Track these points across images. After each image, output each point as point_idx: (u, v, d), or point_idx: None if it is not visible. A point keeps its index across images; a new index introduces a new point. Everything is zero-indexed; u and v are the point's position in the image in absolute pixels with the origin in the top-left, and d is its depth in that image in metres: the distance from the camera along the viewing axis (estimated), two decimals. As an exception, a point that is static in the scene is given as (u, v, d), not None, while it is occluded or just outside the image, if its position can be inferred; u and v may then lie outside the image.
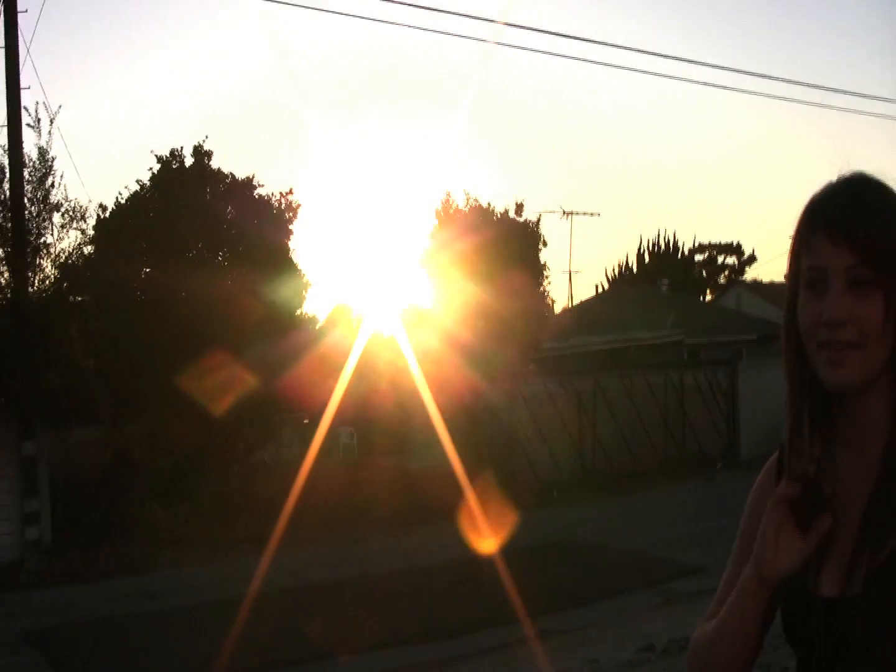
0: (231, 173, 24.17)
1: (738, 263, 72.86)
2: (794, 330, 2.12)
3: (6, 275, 20.71)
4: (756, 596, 2.14)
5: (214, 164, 23.97)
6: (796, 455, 2.11)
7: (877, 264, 1.97)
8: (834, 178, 2.14)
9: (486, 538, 17.22)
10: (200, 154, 23.75)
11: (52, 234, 21.53)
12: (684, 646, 11.36)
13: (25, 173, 20.56)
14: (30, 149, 20.93)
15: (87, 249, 22.09)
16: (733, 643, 2.21)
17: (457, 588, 15.71)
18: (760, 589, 2.12)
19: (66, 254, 21.64)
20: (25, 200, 20.44)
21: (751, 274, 70.72)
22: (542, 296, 29.64)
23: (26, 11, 20.39)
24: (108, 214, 22.84)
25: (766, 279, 66.27)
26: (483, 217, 28.03)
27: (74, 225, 21.74)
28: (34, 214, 21.08)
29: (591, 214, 52.26)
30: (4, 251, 20.64)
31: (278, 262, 23.82)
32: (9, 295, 20.42)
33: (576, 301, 54.43)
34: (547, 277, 29.47)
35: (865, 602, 1.95)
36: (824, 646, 2.03)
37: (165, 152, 23.61)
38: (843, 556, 2.03)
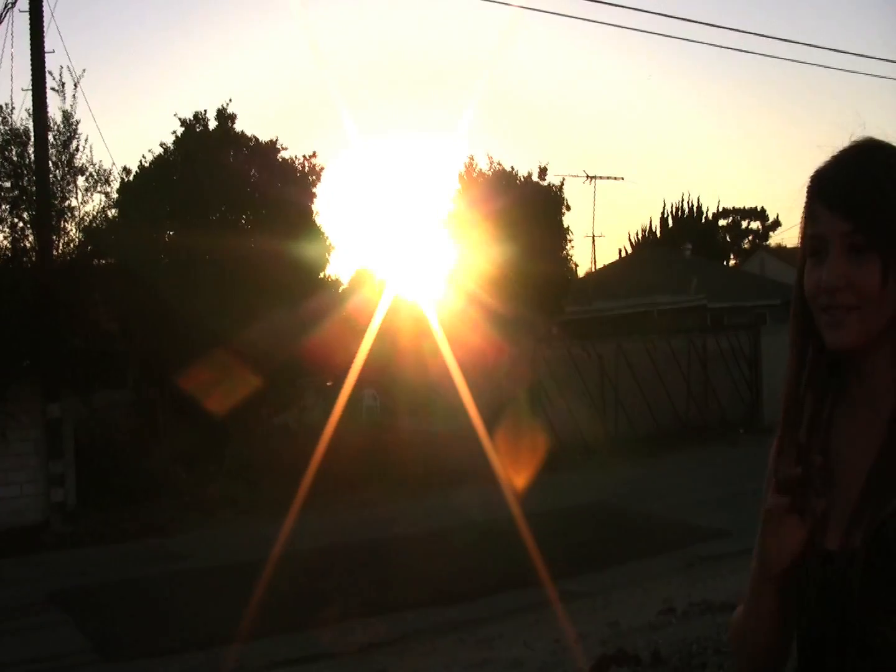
0: (255, 136, 24.18)
1: (762, 228, 72.71)
2: (801, 296, 2.21)
3: (31, 238, 20.78)
4: (765, 593, 2.25)
5: (238, 127, 23.98)
6: (783, 458, 2.19)
7: (872, 231, 2.03)
8: (844, 145, 2.18)
9: (508, 501, 17.26)
10: (224, 117, 23.74)
11: (76, 198, 21.56)
12: (705, 609, 11.47)
13: (50, 137, 20.59)
14: (54, 112, 20.96)
15: (112, 213, 22.13)
16: (756, 642, 2.32)
17: (479, 550, 15.77)
18: (768, 585, 2.23)
19: (91, 217, 21.68)
20: (50, 164, 20.46)
21: (774, 239, 70.60)
22: (565, 260, 29.63)
23: (50, -26, 20.39)
24: (132, 178, 22.88)
25: (790, 244, 66.08)
26: (506, 180, 28.02)
27: (98, 188, 21.77)
28: (59, 178, 21.11)
29: (615, 179, 52.04)
30: (29, 214, 20.70)
31: (302, 224, 23.83)
32: (34, 258, 20.49)
33: (599, 265, 54.31)
34: (570, 241, 29.46)
35: (863, 555, 2.01)
36: (818, 596, 2.11)
37: (189, 115, 23.63)
38: (847, 512, 2.09)
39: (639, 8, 35.38)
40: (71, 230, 21.52)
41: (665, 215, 66.30)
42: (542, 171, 28.53)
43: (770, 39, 40.33)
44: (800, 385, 2.28)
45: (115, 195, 22.23)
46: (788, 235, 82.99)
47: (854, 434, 2.17)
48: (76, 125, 21.49)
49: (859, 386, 2.18)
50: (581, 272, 43.54)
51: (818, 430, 2.21)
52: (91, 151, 22.76)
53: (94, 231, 21.56)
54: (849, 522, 2.07)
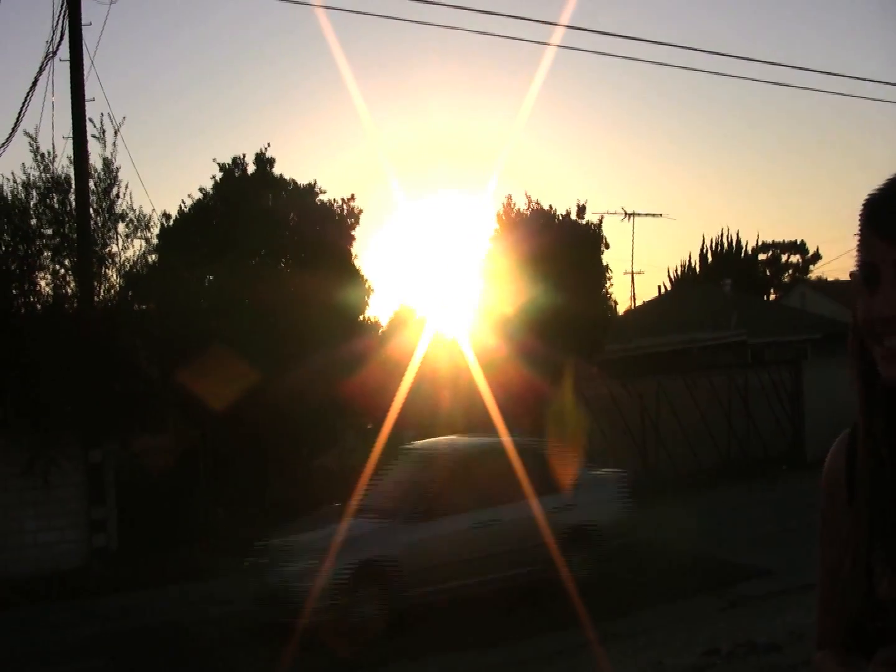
0: (293, 180, 24.36)
1: (802, 262, 72.47)
2: (857, 326, 2.11)
3: (72, 285, 20.96)
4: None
5: (276, 170, 24.16)
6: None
7: None
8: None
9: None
10: (262, 161, 23.94)
11: (117, 244, 21.76)
12: (750, 650, 11.40)
13: (91, 184, 20.78)
14: (95, 159, 21.16)
15: (152, 258, 22.31)
16: None
17: (520, 591, 15.71)
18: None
19: (131, 263, 21.86)
20: (91, 211, 20.65)
21: (815, 272, 70.32)
22: (605, 298, 29.62)
23: (90, 24, 20.63)
24: (171, 223, 23.08)
25: (830, 277, 65.86)
26: (544, 219, 28.05)
27: (139, 234, 21.95)
28: (100, 224, 21.30)
29: (654, 215, 52.22)
30: (71, 261, 20.89)
31: (341, 267, 23.94)
32: (75, 304, 20.65)
33: (638, 302, 54.37)
34: (609, 279, 29.44)
35: None
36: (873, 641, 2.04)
37: (228, 160, 23.83)
38: None
39: (676, 44, 35.41)
40: (112, 276, 21.71)
41: (704, 251, 66.18)
42: (581, 210, 28.55)
43: (810, 72, 40.33)
44: (871, 415, 2.15)
45: (155, 240, 22.41)
46: (829, 268, 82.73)
47: None
48: (116, 172, 21.71)
49: None
50: (620, 309, 43.54)
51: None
52: (131, 198, 22.98)
53: (134, 276, 21.73)
54: None
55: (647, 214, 51.96)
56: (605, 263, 29.19)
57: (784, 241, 71.83)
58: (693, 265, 65.95)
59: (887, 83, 43.06)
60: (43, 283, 21.23)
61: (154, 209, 37.44)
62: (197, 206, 23.49)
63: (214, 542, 20.18)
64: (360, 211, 24.90)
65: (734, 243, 66.60)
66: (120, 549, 19.92)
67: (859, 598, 2.08)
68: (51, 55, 20.74)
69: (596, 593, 14.26)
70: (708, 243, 66.58)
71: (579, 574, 14.94)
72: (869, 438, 2.13)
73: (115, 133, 21.67)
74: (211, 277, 23.02)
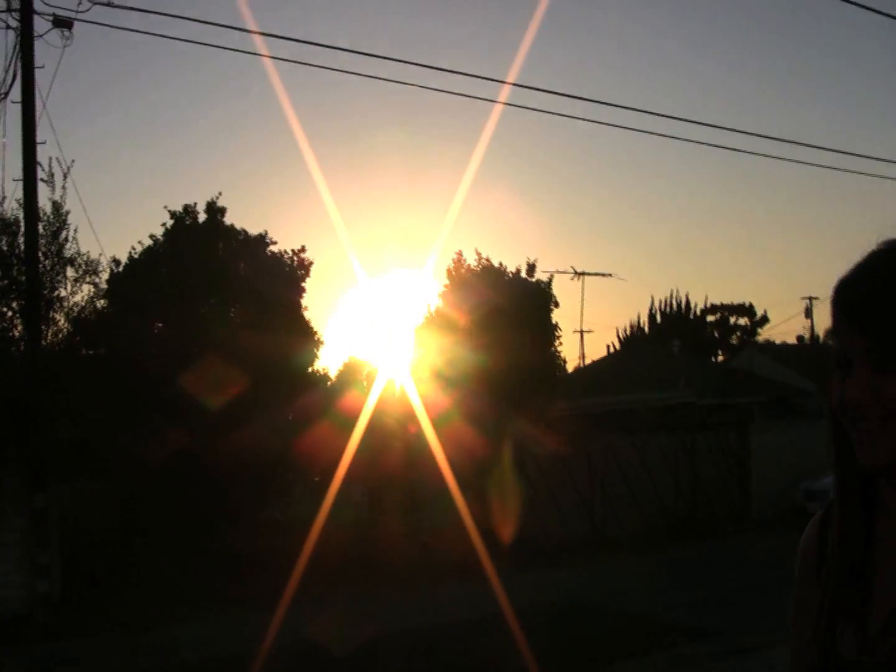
0: (244, 230, 24.27)
1: (750, 324, 73.00)
2: (834, 410, 2.13)
3: (20, 328, 20.77)
4: None
5: (227, 220, 24.07)
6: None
7: (891, 347, 1.96)
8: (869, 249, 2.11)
9: (496, 597, 17.13)
10: (213, 210, 23.84)
11: (65, 288, 21.61)
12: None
13: (40, 227, 20.63)
14: (44, 203, 21.03)
15: (100, 303, 22.15)
16: None
17: (470, 648, 15.61)
18: None
19: (80, 308, 21.71)
20: (39, 254, 20.50)
21: (763, 335, 70.85)
22: (554, 355, 29.64)
23: (43, 67, 20.54)
24: (121, 269, 22.92)
25: (778, 340, 66.35)
26: (494, 277, 28.07)
27: (88, 279, 21.82)
28: (48, 268, 21.14)
29: (603, 275, 52.50)
30: (18, 304, 20.71)
31: (290, 319, 23.86)
32: (22, 348, 20.46)
33: (587, 361, 54.52)
34: (559, 337, 29.48)
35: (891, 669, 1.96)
36: None
37: (179, 207, 23.72)
38: (875, 621, 2.03)
39: (621, 105, 35.71)
40: (59, 320, 21.55)
41: (653, 311, 66.63)
42: (531, 268, 28.60)
43: (760, 137, 40.73)
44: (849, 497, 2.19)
45: (104, 286, 22.27)
46: (776, 331, 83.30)
47: (889, 541, 2.11)
48: (66, 216, 21.59)
49: (892, 495, 2.11)
50: (570, 368, 43.61)
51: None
52: (79, 242, 22.79)
53: (82, 322, 21.58)
54: (877, 634, 2.01)
55: (596, 274, 52.32)
56: (554, 321, 29.23)
57: (732, 304, 72.34)
58: (642, 325, 66.36)
59: (833, 150, 43.52)
60: (-11, 326, 21.04)
61: (103, 254, 37.24)
62: (147, 252, 23.34)
63: (159, 592, 19.96)
64: (311, 263, 24.83)
65: (683, 304, 67.11)
66: (63, 595, 19.65)
67: (824, 657, 2.10)
68: (2, 96, 20.64)
69: (540, 653, 14.15)
70: (657, 304, 67.05)
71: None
72: (844, 515, 2.17)
73: (65, 177, 21.57)
74: (160, 325, 22.87)
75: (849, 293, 2.05)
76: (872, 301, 1.99)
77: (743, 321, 73.33)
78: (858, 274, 2.06)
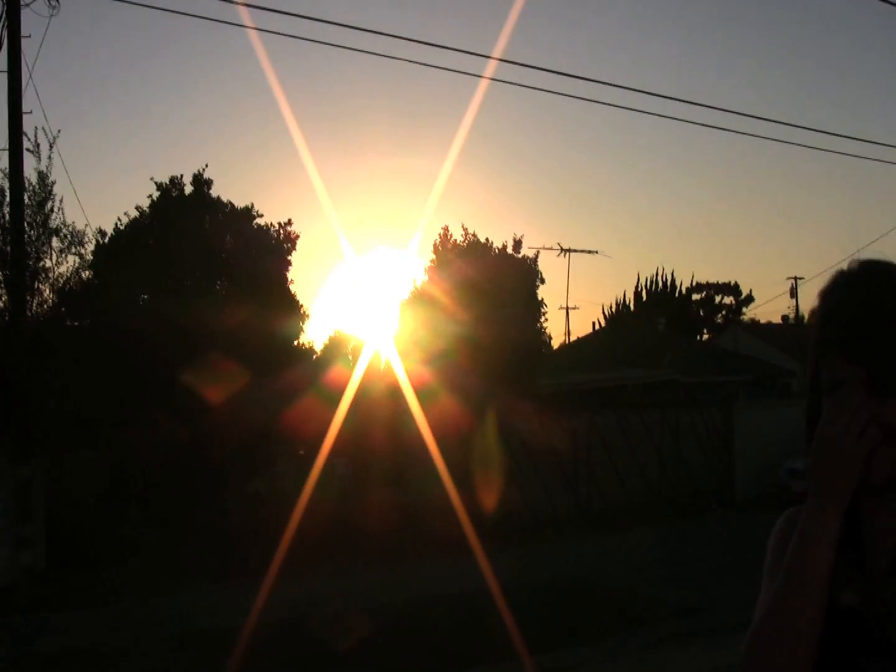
0: (230, 202, 24.23)
1: (736, 303, 73.09)
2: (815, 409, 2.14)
3: (4, 298, 20.72)
4: (830, 537, 2.03)
5: (214, 192, 24.01)
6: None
7: (890, 377, 1.97)
8: (846, 266, 2.12)
9: (481, 573, 17.14)
10: (200, 182, 23.79)
11: (50, 259, 21.56)
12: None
13: (25, 197, 20.55)
14: (29, 173, 20.96)
15: (86, 275, 22.10)
16: (799, 619, 2.04)
17: (452, 623, 15.61)
18: (833, 522, 2.03)
19: (65, 279, 21.66)
20: (25, 224, 20.42)
21: (748, 314, 70.96)
22: (539, 331, 29.66)
23: (30, 36, 20.45)
24: (107, 240, 22.86)
25: (763, 319, 66.46)
26: (480, 252, 28.07)
27: (73, 250, 21.78)
28: (33, 238, 21.09)
29: (589, 252, 52.55)
30: (3, 274, 20.65)
31: (276, 292, 23.85)
32: (6, 318, 20.40)
33: (573, 338, 54.57)
34: (544, 314, 29.52)
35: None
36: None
37: (165, 179, 23.65)
38: (875, 570, 2.09)
39: (609, 82, 35.65)
40: (45, 291, 21.49)
41: (639, 289, 66.65)
42: (517, 244, 28.63)
43: (741, 116, 40.70)
44: None
45: (89, 257, 22.20)
46: (761, 311, 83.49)
47: (879, 534, 2.14)
48: (51, 186, 21.54)
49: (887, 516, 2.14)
50: (555, 344, 43.64)
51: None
52: (65, 213, 22.72)
53: (67, 293, 21.52)
54: (879, 581, 2.06)
55: (582, 251, 52.26)
56: (540, 298, 29.31)
57: (718, 283, 72.41)
58: (628, 303, 66.40)
59: (819, 130, 43.53)
60: (-26, 296, 20.99)
61: (89, 225, 37.22)
62: (133, 224, 23.30)
63: (144, 563, 19.95)
64: (297, 236, 24.82)
65: (669, 283, 67.14)
66: (48, 567, 19.62)
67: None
68: (-12, 65, 20.53)
69: (526, 627, 14.16)
70: (643, 282, 67.08)
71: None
72: None
73: (51, 147, 21.53)
74: (146, 297, 22.82)
75: (842, 325, 2.04)
76: (871, 332, 1.99)
77: (728, 300, 73.44)
78: (849, 301, 2.05)
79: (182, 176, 23.69)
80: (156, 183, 23.45)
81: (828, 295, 2.10)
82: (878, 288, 2.04)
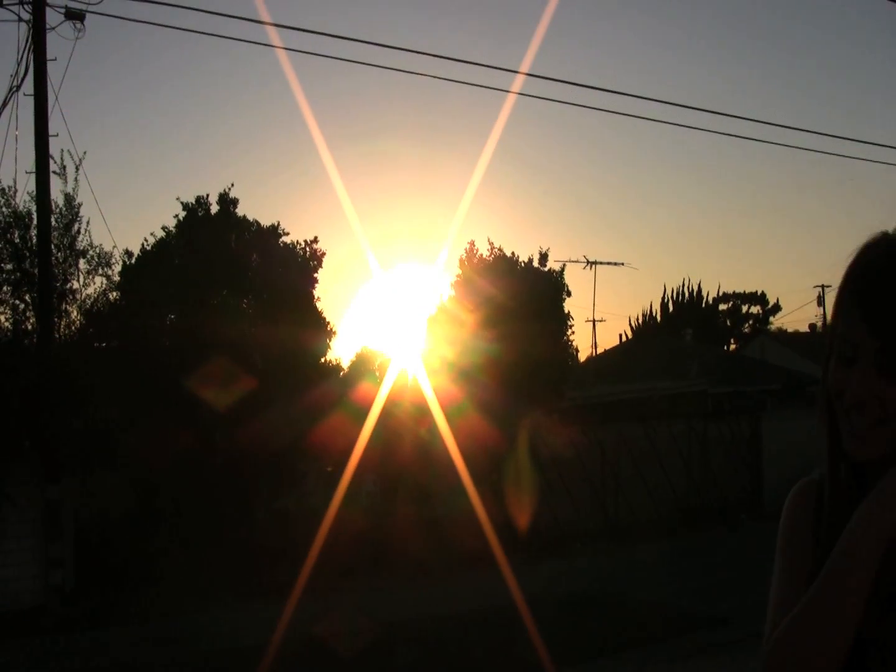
0: (256, 221, 24.27)
1: (762, 313, 72.90)
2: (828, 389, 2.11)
3: (32, 320, 20.82)
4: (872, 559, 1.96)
5: (240, 211, 24.08)
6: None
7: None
8: (890, 229, 2.06)
9: (509, 587, 17.15)
10: (226, 201, 23.85)
11: (77, 281, 21.66)
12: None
13: (52, 220, 20.66)
14: (56, 195, 21.05)
15: (113, 295, 22.20)
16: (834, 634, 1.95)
17: (483, 637, 15.65)
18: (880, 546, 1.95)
19: (92, 300, 21.76)
20: (52, 247, 20.52)
21: (775, 323, 70.77)
22: (566, 345, 29.64)
23: (55, 59, 20.56)
24: (133, 261, 22.96)
25: (790, 328, 66.29)
26: (507, 266, 28.06)
27: (100, 271, 21.86)
28: (60, 261, 21.19)
29: (616, 264, 52.38)
30: (31, 297, 20.76)
31: (303, 310, 23.87)
32: (35, 340, 20.51)
33: (599, 350, 54.47)
34: (571, 326, 29.46)
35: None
36: None
37: (191, 199, 23.74)
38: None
39: (633, 94, 35.77)
40: (72, 312, 21.61)
41: (665, 300, 66.58)
42: (543, 257, 28.59)
43: (769, 126, 40.68)
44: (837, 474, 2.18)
45: (116, 278, 22.31)
46: (788, 319, 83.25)
47: None
48: (78, 208, 21.62)
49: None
50: (582, 357, 43.62)
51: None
52: (92, 235, 22.83)
53: (95, 314, 21.62)
54: (878, 610, 2.00)
55: (609, 263, 52.15)
56: (566, 311, 29.22)
57: (744, 292, 72.25)
58: (654, 314, 66.32)
59: (846, 138, 43.43)
60: (2, 318, 21.10)
61: (116, 246, 37.26)
62: (159, 244, 23.37)
63: (172, 583, 20.01)
64: (323, 253, 24.83)
65: (695, 293, 67.04)
66: (77, 587, 19.69)
67: None
68: (15, 89, 20.68)
69: (556, 640, 14.18)
70: (669, 293, 67.02)
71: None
72: (833, 502, 2.16)
73: (77, 169, 21.62)
74: (173, 317, 22.92)
75: (870, 285, 1.99)
76: (891, 304, 1.95)
77: (755, 309, 73.26)
78: (875, 268, 2.01)
79: (208, 195, 23.79)
80: (182, 203, 23.55)
81: (869, 250, 2.05)
82: None
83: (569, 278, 32.06)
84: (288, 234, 24.58)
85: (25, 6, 20.08)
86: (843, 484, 2.16)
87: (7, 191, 21.20)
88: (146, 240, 23.45)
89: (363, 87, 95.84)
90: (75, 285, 21.63)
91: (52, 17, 20.29)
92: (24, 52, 20.29)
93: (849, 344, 2.01)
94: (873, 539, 1.93)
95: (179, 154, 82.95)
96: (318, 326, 24.32)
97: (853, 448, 2.03)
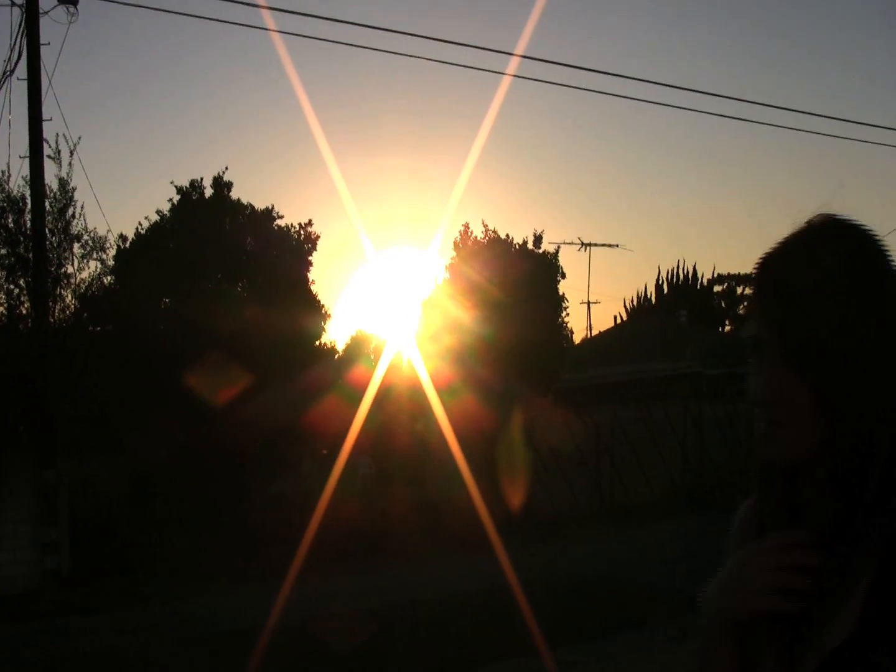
0: (250, 204, 24.27)
1: (757, 294, 72.83)
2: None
3: (27, 305, 20.82)
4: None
5: (234, 195, 24.07)
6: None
7: (804, 350, 1.83)
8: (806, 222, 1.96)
9: (504, 569, 17.16)
10: (220, 185, 23.84)
11: (72, 265, 21.68)
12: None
13: (46, 204, 20.63)
14: (50, 180, 21.05)
15: (108, 280, 22.19)
16: None
17: (476, 618, 15.67)
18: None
19: (87, 284, 21.76)
20: (46, 231, 20.51)
21: (770, 305, 70.77)
22: (561, 327, 29.64)
23: (48, 44, 20.52)
24: (128, 245, 22.94)
25: (785, 310, 66.28)
26: (501, 248, 28.05)
27: (94, 255, 21.89)
28: (55, 245, 21.19)
29: (610, 246, 52.39)
30: (26, 281, 20.76)
31: (297, 293, 23.88)
32: (30, 324, 20.51)
33: (594, 332, 54.49)
34: (566, 308, 29.47)
35: None
36: None
37: (185, 183, 23.72)
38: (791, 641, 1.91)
39: (627, 75, 35.68)
40: (67, 297, 21.61)
41: (660, 282, 66.54)
42: (537, 239, 28.59)
43: (763, 107, 40.62)
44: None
45: (111, 262, 22.30)
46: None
47: None
48: (72, 192, 21.64)
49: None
50: (577, 339, 43.63)
51: None
52: (86, 219, 22.84)
53: (89, 298, 21.61)
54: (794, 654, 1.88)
55: (603, 245, 52.20)
56: (561, 293, 29.22)
57: (739, 274, 72.14)
58: (649, 296, 66.30)
59: (839, 119, 43.24)
60: (-4, 302, 21.11)
61: (110, 231, 37.37)
62: (154, 228, 23.36)
63: (168, 567, 20.03)
64: (318, 237, 24.85)
65: (690, 275, 67.00)
66: (73, 572, 19.70)
67: None
68: (8, 74, 20.68)
69: (551, 622, 14.20)
70: (664, 274, 66.97)
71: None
72: (766, 516, 2.10)
73: (71, 153, 21.64)
74: (167, 301, 22.91)
75: (768, 279, 1.93)
76: (793, 295, 1.86)
77: (750, 291, 73.27)
78: (785, 254, 1.93)
79: (202, 179, 23.78)
80: (176, 187, 23.54)
81: (784, 242, 1.95)
82: (817, 242, 1.89)
83: (563, 260, 32.10)
84: (282, 217, 24.62)
85: (19, -10, 20.05)
86: (775, 500, 2.07)
87: (1, 175, 21.21)
88: (140, 224, 23.48)
89: (357, 70, 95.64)
90: (70, 270, 21.68)
91: (46, 1, 20.21)
92: (17, 36, 20.30)
93: (756, 341, 1.94)
94: (716, 626, 1.95)
95: (174, 138, 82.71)
96: (312, 309, 24.34)
97: (762, 449, 1.95)
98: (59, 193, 21.42)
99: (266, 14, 20.00)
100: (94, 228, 22.42)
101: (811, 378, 1.81)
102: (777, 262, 1.91)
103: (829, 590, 1.84)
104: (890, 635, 1.75)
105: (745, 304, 71.82)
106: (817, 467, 1.89)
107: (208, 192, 23.79)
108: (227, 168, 24.63)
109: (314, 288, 24.84)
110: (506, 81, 24.27)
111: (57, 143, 21.44)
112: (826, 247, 1.87)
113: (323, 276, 63.95)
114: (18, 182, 21.26)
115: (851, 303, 1.81)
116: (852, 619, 1.80)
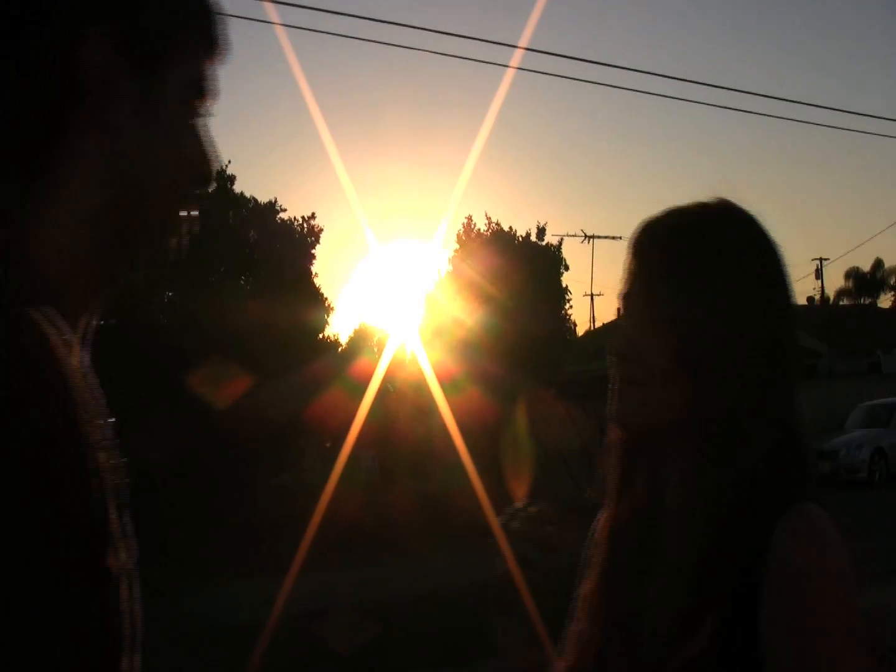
0: (253, 197, 24.29)
1: (760, 286, 73.14)
2: None
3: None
4: None
5: (237, 188, 24.09)
6: None
7: (660, 301, 1.82)
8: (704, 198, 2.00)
9: (509, 562, 17.15)
10: (223, 178, 23.84)
11: (73, 258, 21.67)
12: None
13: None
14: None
15: (111, 274, 22.22)
16: None
17: (479, 612, 15.66)
18: None
19: (89, 278, 21.78)
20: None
21: (774, 294, 71.13)
22: (564, 319, 29.64)
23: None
24: (129, 239, 22.98)
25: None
26: (504, 240, 28.06)
27: (98, 249, 21.87)
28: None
29: (613, 238, 52.34)
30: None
31: (301, 286, 23.89)
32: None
33: (598, 324, 54.50)
34: (569, 300, 29.49)
35: None
36: None
37: (188, 175, 23.74)
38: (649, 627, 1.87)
39: (631, 67, 35.64)
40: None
41: (663, 274, 66.59)
42: (540, 231, 28.61)
43: (766, 98, 40.66)
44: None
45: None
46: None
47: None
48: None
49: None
50: (580, 331, 43.63)
51: None
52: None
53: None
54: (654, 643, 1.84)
55: (606, 237, 52.12)
56: (564, 285, 29.26)
57: (742, 265, 72.21)
58: (652, 288, 66.41)
59: (839, 109, 43.19)
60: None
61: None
62: (156, 222, 23.40)
63: (171, 561, 20.02)
64: (321, 230, 24.87)
65: (693, 267, 67.12)
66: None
67: None
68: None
69: (556, 615, 14.19)
70: (667, 267, 67.06)
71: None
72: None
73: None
74: (170, 294, 22.91)
75: (635, 236, 1.96)
76: (649, 254, 1.91)
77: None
78: (654, 219, 1.97)
79: (205, 171, 23.73)
80: (178, 179, 23.52)
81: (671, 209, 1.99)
82: (685, 214, 1.98)
83: (567, 252, 32.14)
84: (285, 210, 24.67)
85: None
86: (612, 468, 2.12)
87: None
88: (143, 217, 23.49)
89: (361, 63, 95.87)
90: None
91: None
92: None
93: (625, 295, 1.95)
94: None
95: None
96: (315, 303, 24.36)
97: (611, 409, 1.90)
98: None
99: (269, 6, 19.99)
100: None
101: (673, 339, 1.77)
102: (660, 225, 1.94)
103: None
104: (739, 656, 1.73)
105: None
106: (668, 439, 1.86)
107: (211, 185, 23.83)
108: (229, 161, 24.71)
109: (317, 281, 24.87)
110: (509, 74, 24.30)
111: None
112: (716, 220, 1.97)
113: (326, 270, 63.83)
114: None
115: (728, 274, 1.84)
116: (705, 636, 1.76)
